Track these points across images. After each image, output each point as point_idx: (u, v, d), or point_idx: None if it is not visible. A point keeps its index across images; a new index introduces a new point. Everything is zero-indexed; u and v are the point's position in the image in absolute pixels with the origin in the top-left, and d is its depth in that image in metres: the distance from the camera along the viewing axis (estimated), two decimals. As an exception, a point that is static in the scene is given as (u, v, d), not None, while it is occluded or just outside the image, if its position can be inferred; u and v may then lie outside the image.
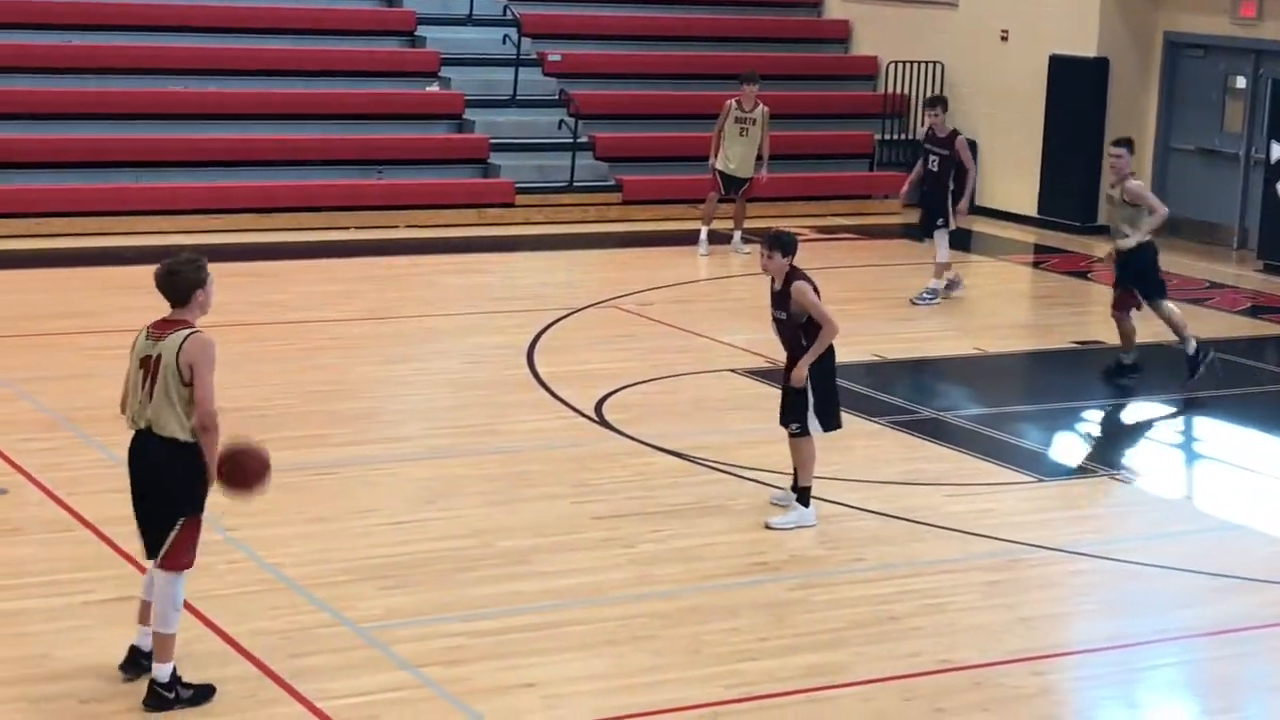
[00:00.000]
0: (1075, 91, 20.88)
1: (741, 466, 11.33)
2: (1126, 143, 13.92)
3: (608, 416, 12.40)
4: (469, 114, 20.99)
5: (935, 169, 16.55)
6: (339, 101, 20.44)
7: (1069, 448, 12.44)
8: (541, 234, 19.44)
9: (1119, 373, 13.77)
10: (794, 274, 10.10)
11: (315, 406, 12.41)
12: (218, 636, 8.39)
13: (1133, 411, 13.30)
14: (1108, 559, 9.98)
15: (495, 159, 20.59)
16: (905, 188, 17.23)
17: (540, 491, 10.76)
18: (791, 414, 10.22)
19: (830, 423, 10.24)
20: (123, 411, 7.81)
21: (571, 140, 20.69)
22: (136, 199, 18.81)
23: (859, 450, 11.87)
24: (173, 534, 7.59)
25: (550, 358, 13.94)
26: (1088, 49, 20.80)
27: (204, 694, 7.66)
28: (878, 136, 22.52)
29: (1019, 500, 11.02)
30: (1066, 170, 21.04)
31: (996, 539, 10.20)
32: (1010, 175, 21.71)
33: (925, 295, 16.51)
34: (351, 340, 14.25)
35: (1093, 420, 13.08)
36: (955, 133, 16.70)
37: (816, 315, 10.05)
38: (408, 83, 21.27)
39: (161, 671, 7.58)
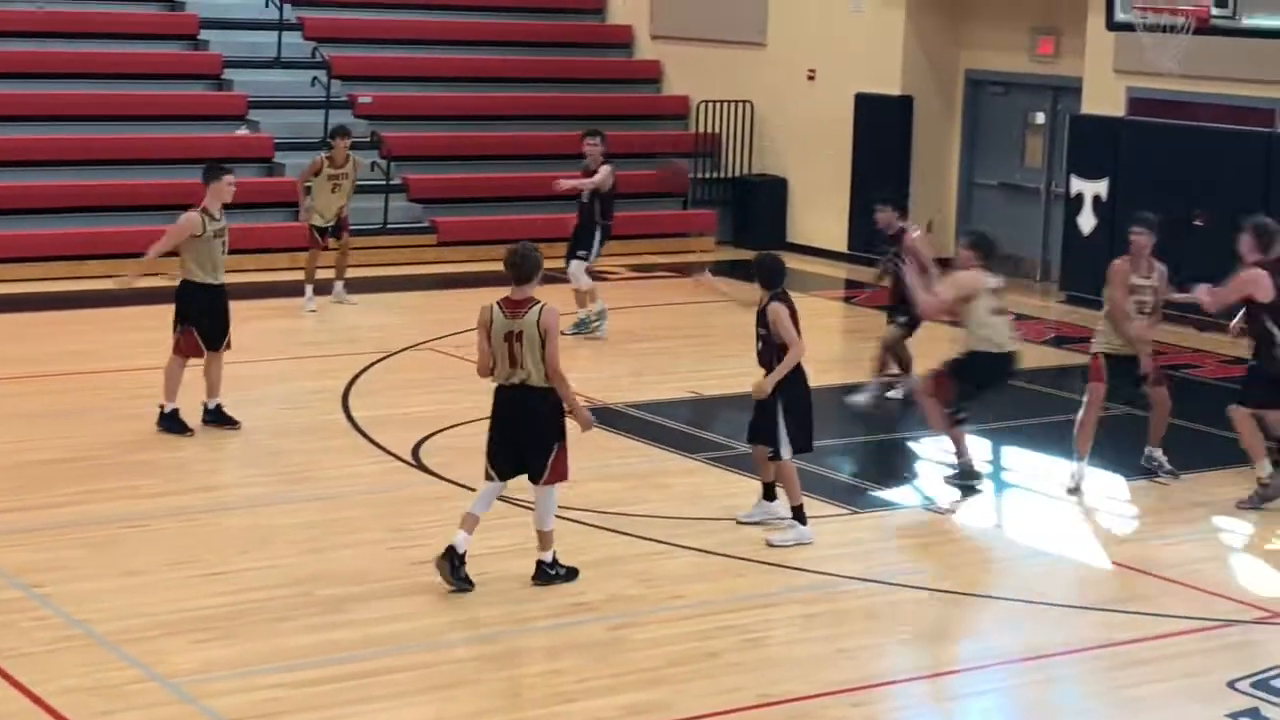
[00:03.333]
0: (881, 129, 21.28)
1: (561, 507, 11.30)
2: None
3: (425, 460, 12.34)
4: (279, 157, 20.81)
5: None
6: (147, 146, 20.16)
7: (883, 479, 12.62)
8: (356, 277, 19.25)
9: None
10: (775, 295, 10.79)
11: (129, 457, 12.19)
12: (24, 696, 8.18)
13: (943, 443, 13.51)
14: (923, 588, 10.13)
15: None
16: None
17: (358, 538, 10.66)
18: (764, 437, 10.80)
19: (801, 445, 10.81)
20: (482, 374, 9.93)
21: (384, 182, 20.60)
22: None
23: (677, 487, 11.96)
24: (552, 457, 9.78)
25: (367, 402, 13.84)
26: (892, 87, 21.20)
27: (574, 573, 10.00)
28: (691, 175, 22.73)
29: (836, 533, 11.14)
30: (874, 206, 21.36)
31: (814, 572, 10.31)
32: (820, 211, 22.05)
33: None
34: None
35: (906, 452, 13.27)
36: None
37: (786, 336, 10.65)
38: (215, 126, 21.04)
39: (546, 555, 9.94)
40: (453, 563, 9.72)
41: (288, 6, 22.46)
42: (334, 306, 17.67)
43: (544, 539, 9.96)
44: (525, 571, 10.12)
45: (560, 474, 9.88)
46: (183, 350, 12.81)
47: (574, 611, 9.58)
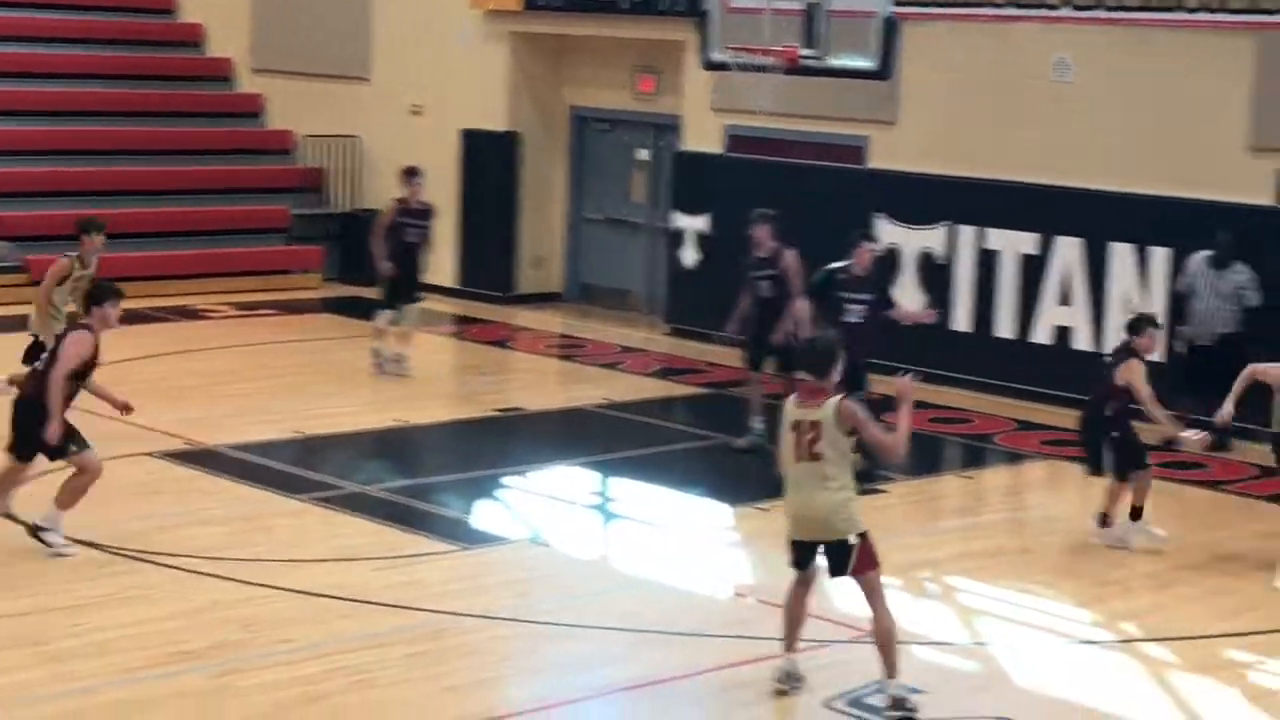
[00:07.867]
0: (488, 165, 21.38)
1: (158, 553, 11.00)
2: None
3: (16, 510, 11.81)
4: None
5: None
6: None
7: (490, 515, 12.63)
8: (-59, 318, 18.41)
9: None
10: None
11: None
12: None
13: (551, 476, 13.62)
14: (530, 622, 10.16)
15: (-114, 241, 19.44)
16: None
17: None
18: None
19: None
20: None
21: (-28, 219, 19.76)
22: None
23: (282, 529, 11.75)
24: None
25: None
26: (498, 123, 21.33)
27: None
28: (294, 210, 22.44)
29: (443, 570, 11.09)
30: (484, 242, 21.49)
31: (422, 610, 10.23)
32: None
33: None
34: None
35: (513, 486, 13.32)
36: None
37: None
38: None
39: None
40: None
41: None
42: None
43: None
44: (128, 621, 9.79)
45: None
46: None
47: (177, 660, 9.29)
